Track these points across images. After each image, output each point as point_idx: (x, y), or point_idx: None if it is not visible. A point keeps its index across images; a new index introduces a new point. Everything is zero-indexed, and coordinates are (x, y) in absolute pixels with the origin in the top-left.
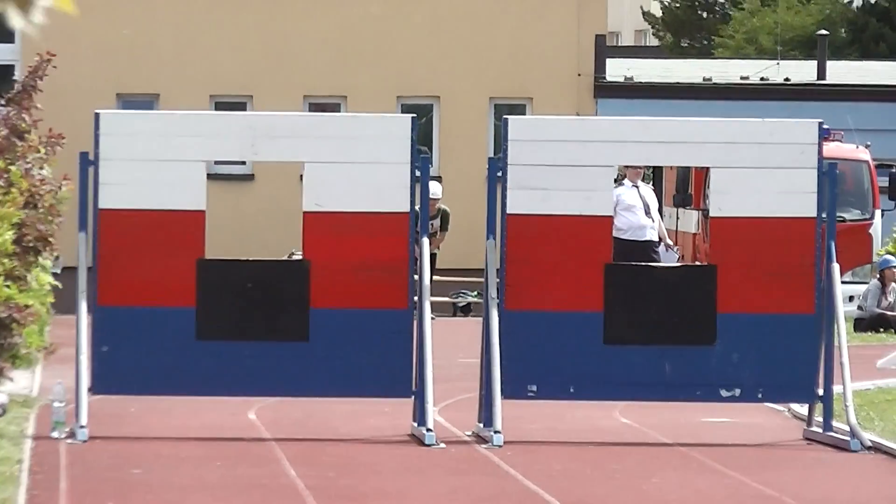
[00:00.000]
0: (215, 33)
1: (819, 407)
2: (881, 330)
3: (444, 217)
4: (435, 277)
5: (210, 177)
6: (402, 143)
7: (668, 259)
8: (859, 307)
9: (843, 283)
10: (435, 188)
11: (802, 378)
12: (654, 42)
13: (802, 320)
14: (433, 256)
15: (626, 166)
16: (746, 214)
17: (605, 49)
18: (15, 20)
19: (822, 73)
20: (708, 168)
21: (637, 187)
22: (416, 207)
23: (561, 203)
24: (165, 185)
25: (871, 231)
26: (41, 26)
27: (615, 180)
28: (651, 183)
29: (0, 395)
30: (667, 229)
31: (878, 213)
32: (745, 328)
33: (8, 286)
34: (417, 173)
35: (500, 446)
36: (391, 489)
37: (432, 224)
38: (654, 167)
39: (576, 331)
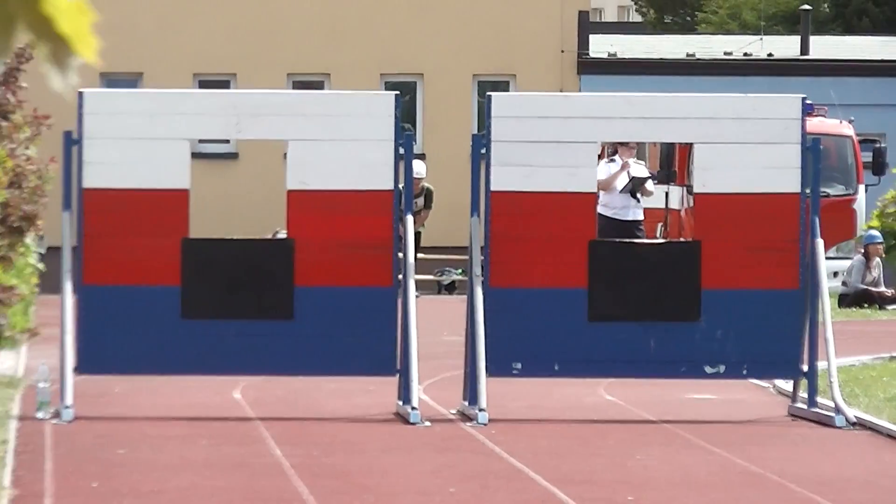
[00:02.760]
0: (199, 12)
1: (803, 383)
2: (865, 305)
3: (428, 195)
4: (420, 255)
5: (194, 155)
6: (385, 121)
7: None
8: (843, 283)
9: (827, 258)
10: (419, 167)
11: (787, 354)
12: (638, 18)
13: (787, 296)
14: (418, 234)
15: (618, 144)
16: (730, 190)
17: (588, 25)
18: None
19: (805, 48)
20: (692, 144)
21: (627, 164)
22: (401, 186)
23: (545, 180)
24: (150, 164)
25: (855, 206)
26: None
27: (610, 158)
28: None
29: None
30: (651, 206)
31: (861, 188)
32: (729, 304)
33: None
34: (401, 151)
35: (484, 424)
36: (376, 467)
37: (416, 202)
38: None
39: (560, 308)
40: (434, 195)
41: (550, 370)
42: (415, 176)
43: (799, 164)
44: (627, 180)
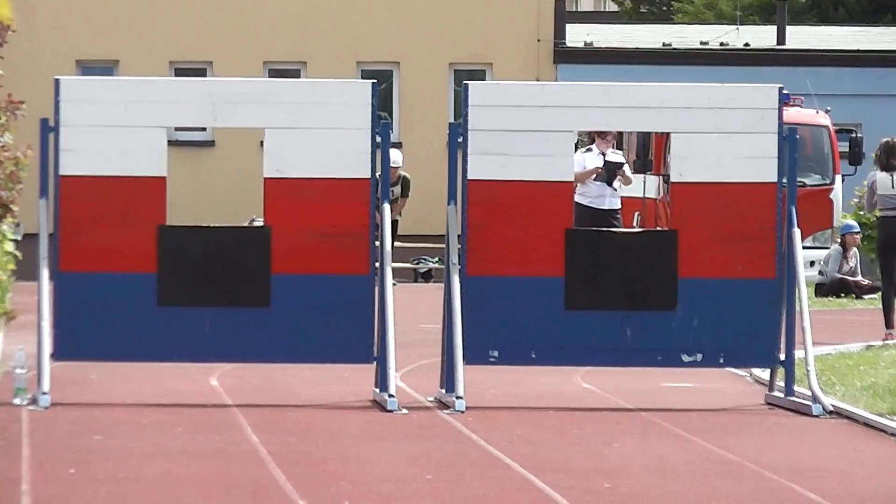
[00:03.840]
0: (175, 0)
1: (780, 372)
2: (842, 295)
3: (405, 183)
4: (396, 244)
5: (171, 143)
6: (362, 109)
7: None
8: (820, 272)
9: (804, 248)
10: (395, 156)
11: (764, 343)
12: (614, 7)
13: (764, 285)
14: (395, 223)
15: (595, 135)
16: (707, 180)
17: (564, 14)
18: None
19: (781, 38)
20: (668, 133)
21: (604, 154)
22: (377, 174)
23: (521, 168)
24: (126, 152)
25: (831, 196)
26: None
27: (587, 147)
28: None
29: None
30: (627, 195)
31: (838, 178)
32: (705, 293)
33: None
34: (378, 139)
35: (461, 412)
36: (353, 455)
37: (393, 191)
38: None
39: (537, 296)
40: (411, 184)
41: (527, 358)
42: (391, 165)
43: (776, 154)
44: (600, 168)
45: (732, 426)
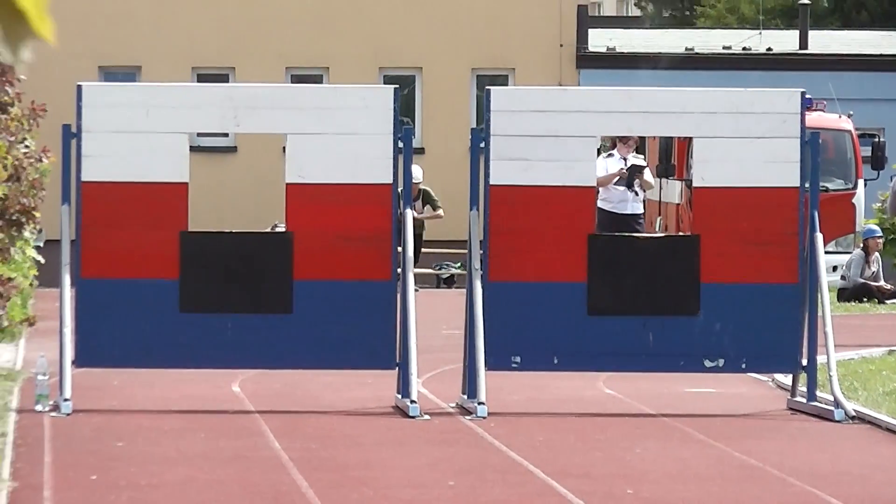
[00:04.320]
0: (197, 5)
1: (803, 377)
2: (864, 300)
3: (426, 196)
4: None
5: (193, 149)
6: (384, 114)
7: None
8: (843, 277)
9: (826, 252)
10: (416, 172)
11: (786, 348)
12: (636, 12)
13: (786, 290)
14: (420, 233)
15: (617, 140)
16: (729, 184)
17: (587, 19)
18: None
19: (804, 42)
20: (691, 138)
21: (625, 160)
22: (400, 182)
23: (544, 174)
24: (148, 158)
25: (854, 200)
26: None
27: (609, 153)
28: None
29: None
30: (649, 200)
31: (861, 182)
32: (728, 298)
33: None
34: (400, 144)
35: (483, 417)
36: (375, 460)
37: (415, 205)
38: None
39: (559, 302)
40: (433, 195)
41: (549, 364)
42: (412, 181)
43: (798, 159)
44: (624, 170)
45: (754, 431)
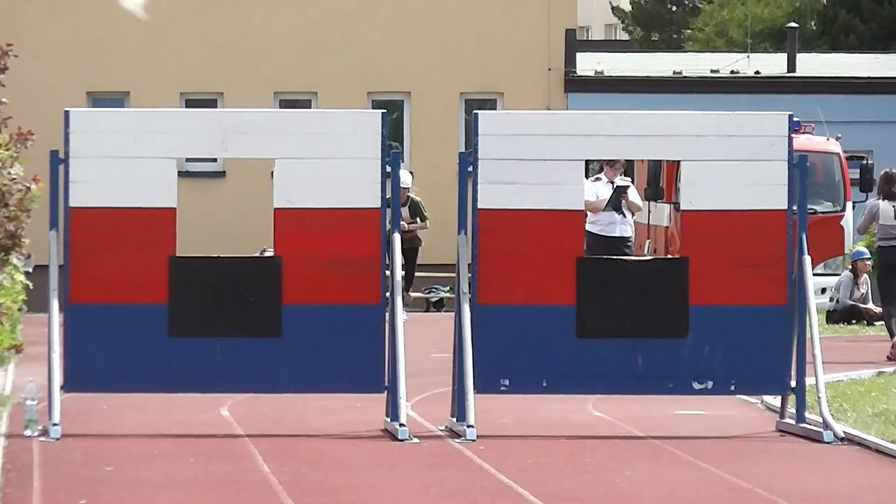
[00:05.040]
0: (186, 32)
1: (792, 399)
2: (853, 322)
3: (414, 206)
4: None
5: (181, 174)
6: (372, 139)
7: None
8: (831, 299)
9: (815, 275)
10: (404, 176)
11: (775, 370)
12: (624, 36)
13: (774, 312)
14: (415, 250)
15: (604, 163)
16: (717, 207)
17: (575, 43)
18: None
19: (792, 65)
20: (679, 161)
21: (612, 183)
22: (388, 203)
23: (532, 197)
24: (136, 183)
25: (842, 223)
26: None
27: (596, 177)
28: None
29: None
30: (638, 223)
31: (849, 205)
32: (717, 320)
33: None
34: (388, 169)
35: (473, 440)
36: (364, 484)
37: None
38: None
39: (548, 324)
40: (422, 206)
41: (539, 386)
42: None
43: (786, 181)
44: (610, 192)
45: (744, 453)
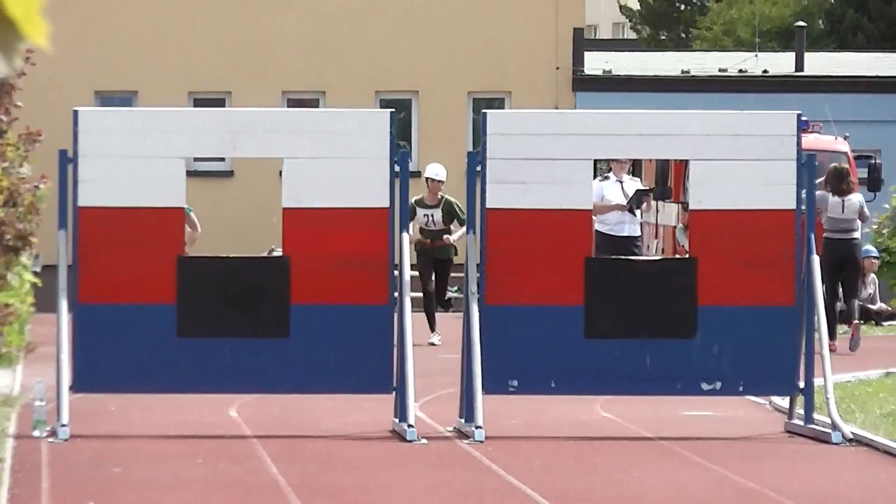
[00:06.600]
0: (193, 30)
1: (800, 399)
2: (861, 321)
3: (450, 207)
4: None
5: (189, 174)
6: (381, 138)
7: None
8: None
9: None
10: (438, 169)
11: (783, 370)
12: (632, 35)
13: (783, 312)
14: (450, 261)
15: (612, 161)
16: (726, 207)
17: (582, 42)
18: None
19: (800, 64)
20: (687, 161)
21: (621, 182)
22: (397, 202)
23: (540, 197)
24: (145, 183)
25: None
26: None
27: (604, 176)
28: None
29: None
30: (646, 223)
31: None
32: (725, 321)
33: None
34: (397, 168)
35: (481, 441)
36: (373, 485)
37: (432, 215)
38: (634, 160)
39: (556, 325)
40: (458, 208)
41: (547, 387)
42: (434, 178)
43: (794, 181)
44: (631, 195)
45: (752, 454)
